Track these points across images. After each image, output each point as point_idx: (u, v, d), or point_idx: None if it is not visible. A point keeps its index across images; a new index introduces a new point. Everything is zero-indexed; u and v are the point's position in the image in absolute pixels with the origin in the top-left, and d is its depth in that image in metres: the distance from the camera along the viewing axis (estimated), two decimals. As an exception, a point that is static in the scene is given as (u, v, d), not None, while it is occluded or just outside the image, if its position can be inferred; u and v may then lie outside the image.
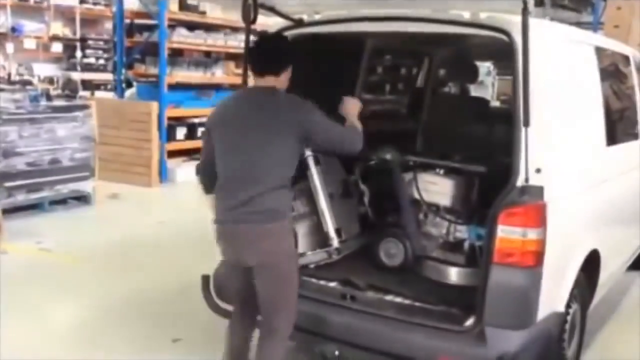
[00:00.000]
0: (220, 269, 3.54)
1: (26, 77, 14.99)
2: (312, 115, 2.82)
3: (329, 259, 3.51)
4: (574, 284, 3.17)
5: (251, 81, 3.55)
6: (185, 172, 8.85)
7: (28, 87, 12.86)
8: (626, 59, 4.44)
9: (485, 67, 10.87)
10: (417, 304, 3.15)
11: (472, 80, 4.79)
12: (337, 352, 3.01)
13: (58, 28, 15.90)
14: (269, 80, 2.86)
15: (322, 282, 3.38)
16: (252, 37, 3.30)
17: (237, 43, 9.63)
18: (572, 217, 3.09)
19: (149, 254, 5.58)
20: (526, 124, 2.71)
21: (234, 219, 2.76)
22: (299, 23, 3.59)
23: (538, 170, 2.78)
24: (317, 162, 3.54)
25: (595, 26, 8.64)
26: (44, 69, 16.16)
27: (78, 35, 16.34)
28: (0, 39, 14.60)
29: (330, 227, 3.52)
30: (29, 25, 14.78)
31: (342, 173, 3.84)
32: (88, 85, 15.17)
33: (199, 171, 3.03)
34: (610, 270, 3.88)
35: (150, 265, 5.27)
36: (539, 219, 2.76)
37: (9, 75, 14.85)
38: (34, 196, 6.64)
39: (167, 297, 4.57)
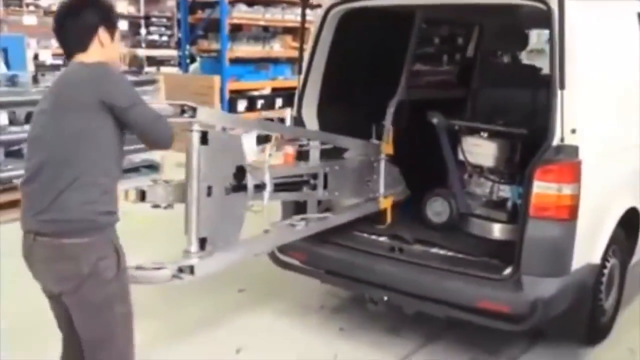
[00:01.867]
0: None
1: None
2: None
3: (175, 279, 2.59)
4: (611, 239, 3.37)
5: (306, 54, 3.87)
6: (246, 142, 9.25)
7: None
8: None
9: (545, 35, 10.76)
10: (460, 255, 3.42)
11: (521, 48, 4.95)
12: (385, 298, 3.33)
13: (123, 6, 16.53)
14: (79, 59, 2.30)
15: (373, 237, 3.70)
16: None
17: (294, 17, 9.90)
18: (608, 175, 3.27)
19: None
20: (562, 87, 2.92)
21: (30, 229, 2.29)
22: (351, -4, 3.84)
23: (573, 131, 2.98)
24: (204, 140, 2.74)
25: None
26: (111, 46, 16.91)
27: (142, 13, 16.98)
28: (70, 18, 15.39)
29: (192, 234, 2.68)
30: (96, 4, 15.46)
31: (242, 157, 2.96)
32: (152, 61, 15.80)
33: None
34: (651, 229, 4.02)
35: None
36: (574, 176, 2.98)
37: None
38: (110, 164, 7.16)
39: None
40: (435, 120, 3.81)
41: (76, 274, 2.17)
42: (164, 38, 17.38)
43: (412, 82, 4.78)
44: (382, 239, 3.66)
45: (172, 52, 16.32)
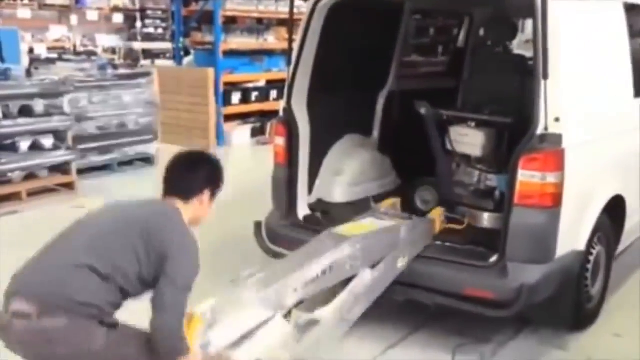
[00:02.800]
0: (271, 216, 3.96)
1: (90, 48, 15.76)
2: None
3: None
4: (596, 227, 3.42)
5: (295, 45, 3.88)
6: (240, 135, 9.31)
7: (93, 57, 13.60)
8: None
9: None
10: (447, 244, 3.47)
11: (511, 38, 4.97)
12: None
13: (119, -1, 16.55)
14: (174, 204, 2.44)
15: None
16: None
17: (288, 9, 9.92)
18: (592, 163, 3.32)
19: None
20: (545, 76, 2.96)
21: None
22: (340, -12, 3.87)
23: (557, 119, 3.03)
24: None
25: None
26: (106, 40, 16.90)
27: (138, 6, 16.98)
28: (65, 11, 15.36)
29: None
30: (91, -2, 15.46)
31: None
32: (148, 54, 15.79)
33: None
34: (638, 218, 4.07)
35: (208, 216, 5.73)
36: (557, 164, 3.02)
37: (75, 46, 15.64)
38: (104, 157, 7.18)
39: (223, 243, 5.00)
40: (422, 110, 3.86)
41: None
42: (159, 31, 17.39)
43: (402, 72, 4.83)
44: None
45: (168, 45, 16.30)
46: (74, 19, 15.32)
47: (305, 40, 3.86)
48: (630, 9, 3.90)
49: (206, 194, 2.50)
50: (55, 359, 2.17)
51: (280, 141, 3.88)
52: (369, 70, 4.44)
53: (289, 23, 4.08)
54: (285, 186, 3.87)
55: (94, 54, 14.95)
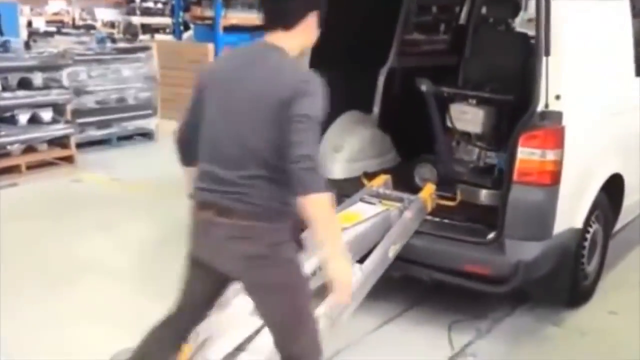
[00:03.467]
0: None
1: (89, 22, 15.65)
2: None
3: None
4: (594, 204, 3.44)
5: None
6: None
7: (92, 31, 13.49)
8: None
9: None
10: (446, 220, 3.49)
11: (513, 15, 4.94)
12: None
13: (118, -26, 16.39)
14: (277, 37, 2.10)
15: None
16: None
17: (289, -16, 9.84)
18: (592, 141, 3.33)
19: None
20: (547, 53, 2.96)
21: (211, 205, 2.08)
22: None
23: (558, 97, 3.03)
24: None
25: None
26: (105, 14, 16.80)
27: (137, -20, 16.83)
28: (64, -15, 15.23)
29: None
30: (91, -29, 15.31)
31: None
32: (147, 28, 15.69)
33: (178, 137, 2.31)
34: (636, 196, 4.09)
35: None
36: (557, 142, 3.03)
37: (73, 20, 15.53)
38: (103, 132, 7.16)
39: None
40: (423, 87, 3.84)
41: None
42: (159, 5, 17.29)
43: (403, 49, 4.80)
44: (370, 204, 3.72)
45: (167, 20, 16.20)
46: (73, -7, 15.20)
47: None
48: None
49: (311, 17, 2.12)
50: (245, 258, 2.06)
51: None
52: (370, 47, 4.42)
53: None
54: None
55: (92, 27, 14.85)
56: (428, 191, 3.61)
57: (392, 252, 3.15)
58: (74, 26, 14.62)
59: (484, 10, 5.32)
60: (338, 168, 4.13)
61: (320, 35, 3.90)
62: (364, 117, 4.54)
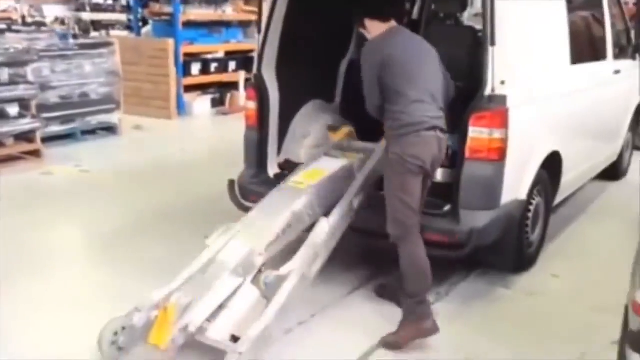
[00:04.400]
0: (243, 174, 4.25)
1: (38, 19, 15.43)
2: None
3: None
4: (536, 179, 3.86)
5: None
6: (201, 105, 9.50)
7: (43, 28, 13.35)
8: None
9: None
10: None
11: (461, 10, 5.34)
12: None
13: (68, -31, 16.15)
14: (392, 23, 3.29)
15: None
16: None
17: (245, -19, 10.09)
18: (533, 122, 3.74)
19: (174, 173, 6.31)
20: (492, 43, 3.34)
21: (435, 127, 3.16)
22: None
23: (502, 82, 3.42)
24: None
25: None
26: (53, 10, 16.55)
27: (87, -24, 16.64)
28: (11, -19, 14.96)
29: None
30: (39, -33, 15.07)
31: None
32: (97, 25, 15.58)
33: (375, 108, 3.32)
34: (574, 173, 4.55)
35: (175, 181, 6.01)
36: (502, 122, 3.42)
37: (24, 17, 15.28)
38: (67, 127, 7.28)
39: (193, 204, 5.27)
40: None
41: None
42: (109, 2, 17.13)
43: (362, 43, 5.12)
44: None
45: (118, 16, 16.13)
46: (20, -12, 14.95)
47: (274, 11, 4.12)
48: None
49: None
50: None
51: (252, 105, 4.16)
52: (332, 40, 4.73)
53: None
54: (256, 147, 4.16)
55: (43, 24, 14.66)
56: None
57: (356, 203, 3.49)
58: (24, 23, 14.42)
59: (434, 6, 5.71)
60: (304, 152, 4.44)
61: (287, 31, 4.22)
62: (327, 106, 4.85)
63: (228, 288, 3.04)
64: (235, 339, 2.88)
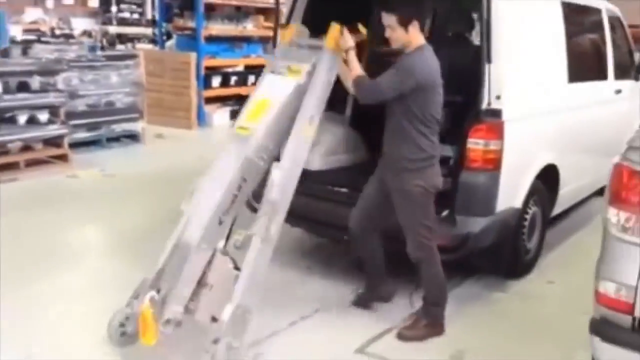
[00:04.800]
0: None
1: (66, 31, 15.97)
2: None
3: None
4: (531, 189, 4.08)
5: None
6: (220, 116, 9.85)
7: (71, 40, 13.87)
8: (597, 11, 5.22)
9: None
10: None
11: (469, 29, 5.60)
12: (345, 237, 3.96)
13: (95, -17, 16.69)
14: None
15: (335, 188, 4.33)
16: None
17: (265, -2, 10.48)
18: (528, 135, 3.98)
19: (192, 179, 6.58)
20: (489, 60, 3.59)
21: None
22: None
23: (498, 97, 3.67)
24: None
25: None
26: (81, 23, 17.08)
27: (113, -10, 17.16)
28: (40, -6, 15.53)
29: None
30: (68, -19, 15.60)
31: None
32: (123, 38, 16.07)
33: (381, 99, 3.37)
34: (572, 186, 4.76)
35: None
36: (498, 134, 3.67)
37: (52, 29, 15.84)
38: (93, 133, 7.66)
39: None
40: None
41: None
42: (135, 16, 17.64)
43: (372, 58, 5.40)
44: (343, 189, 4.30)
45: (143, 30, 16.62)
46: (49, 2, 15.49)
47: (289, 22, 4.42)
48: (566, 7, 4.57)
49: None
50: None
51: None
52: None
53: (275, 10, 4.62)
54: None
55: (71, 37, 15.20)
56: (333, 33, 3.38)
57: (310, 130, 3.22)
58: (53, 35, 14.96)
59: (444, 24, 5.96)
60: (316, 160, 4.69)
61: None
62: (338, 117, 5.13)
63: (199, 266, 3.02)
64: (214, 319, 2.91)
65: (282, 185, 3.09)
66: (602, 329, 2.30)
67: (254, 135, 3.18)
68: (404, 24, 3.24)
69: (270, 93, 3.33)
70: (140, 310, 2.94)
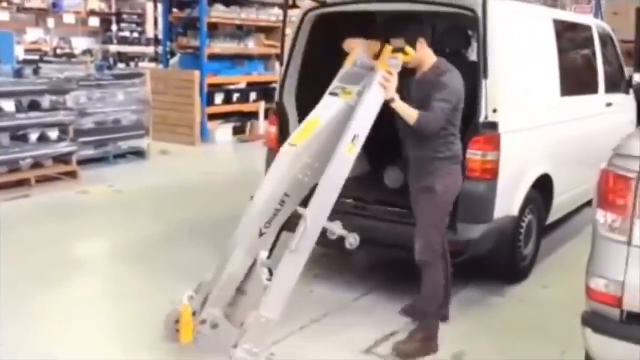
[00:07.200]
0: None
1: (67, 50, 16.24)
2: None
3: None
4: (527, 198, 4.29)
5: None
6: (223, 133, 10.07)
7: (73, 59, 14.12)
8: (588, 28, 5.47)
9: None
10: (410, 211, 4.28)
11: (466, 46, 5.84)
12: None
13: (95, 3, 16.98)
14: None
15: (341, 199, 4.51)
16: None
17: (267, 17, 10.74)
18: (523, 146, 4.19)
19: (198, 194, 6.84)
20: (485, 76, 3.81)
21: None
22: (323, 4, 4.67)
23: (495, 111, 3.88)
24: None
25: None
26: (82, 43, 17.37)
27: (114, 10, 17.50)
28: (42, 14, 15.81)
29: None
30: (68, 1, 15.86)
31: None
32: (123, 57, 16.33)
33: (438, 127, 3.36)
34: (566, 195, 4.97)
35: (198, 200, 6.57)
36: (495, 145, 3.88)
37: (55, 49, 16.11)
38: (100, 150, 7.86)
39: (214, 219, 5.74)
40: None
41: None
42: (135, 35, 17.93)
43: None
44: (348, 200, 4.49)
45: (143, 49, 16.91)
46: (51, 22, 15.77)
47: (295, 45, 4.65)
48: (559, 24, 4.82)
49: None
50: None
51: (273, 129, 4.66)
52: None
53: (282, 31, 4.84)
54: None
55: (73, 56, 15.48)
56: (385, 57, 3.42)
57: (356, 146, 3.25)
58: (55, 55, 15.22)
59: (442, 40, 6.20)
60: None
61: (307, 63, 4.71)
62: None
63: (238, 273, 3.21)
64: (242, 325, 3.12)
65: (310, 221, 3.12)
66: (593, 321, 2.49)
67: (299, 152, 3.28)
68: (412, 43, 3.39)
69: (322, 113, 3.43)
70: (180, 309, 3.13)
